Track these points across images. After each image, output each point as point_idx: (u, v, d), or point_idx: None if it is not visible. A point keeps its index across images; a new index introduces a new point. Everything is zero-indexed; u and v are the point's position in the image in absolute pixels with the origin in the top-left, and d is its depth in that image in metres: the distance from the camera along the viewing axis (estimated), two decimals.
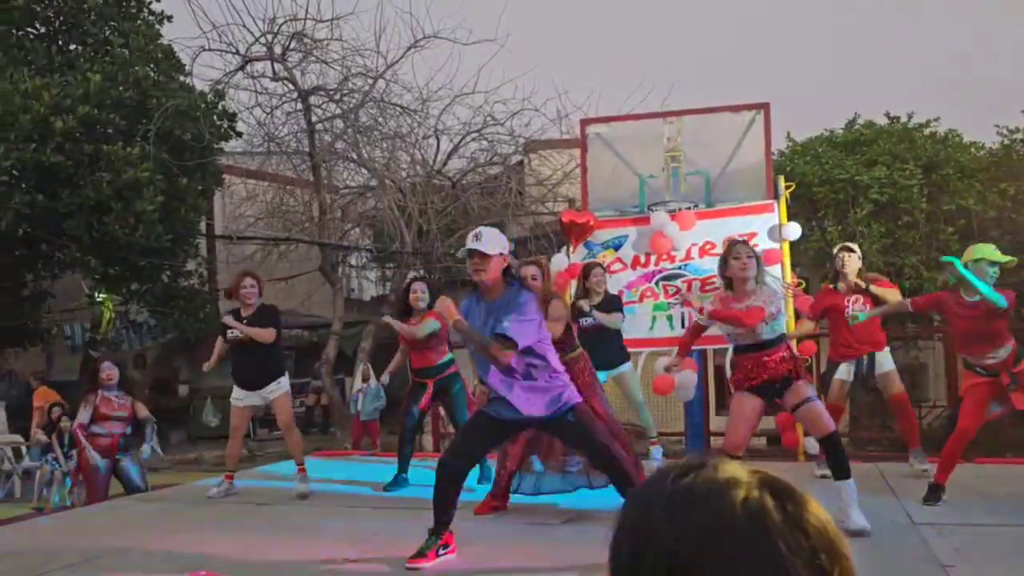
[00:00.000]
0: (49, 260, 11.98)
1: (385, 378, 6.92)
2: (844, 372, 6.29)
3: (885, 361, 6.32)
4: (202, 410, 14.56)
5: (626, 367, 6.80)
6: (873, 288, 6.11)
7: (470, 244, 4.01)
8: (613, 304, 6.71)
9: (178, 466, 12.18)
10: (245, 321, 6.07)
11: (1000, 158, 10.22)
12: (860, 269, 6.30)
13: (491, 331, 3.97)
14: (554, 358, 4.19)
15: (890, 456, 7.93)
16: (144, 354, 15.26)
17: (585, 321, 6.59)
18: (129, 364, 14.94)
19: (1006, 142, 10.26)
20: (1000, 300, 4.91)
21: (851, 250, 6.37)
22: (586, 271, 6.88)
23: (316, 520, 5.30)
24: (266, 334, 6.01)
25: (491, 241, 4.00)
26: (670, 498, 0.76)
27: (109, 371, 6.66)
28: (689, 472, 0.78)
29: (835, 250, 6.47)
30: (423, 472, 6.91)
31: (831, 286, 6.39)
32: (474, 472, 6.22)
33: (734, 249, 4.72)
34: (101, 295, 12.60)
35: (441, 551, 4.19)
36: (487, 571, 4.05)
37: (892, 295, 6.12)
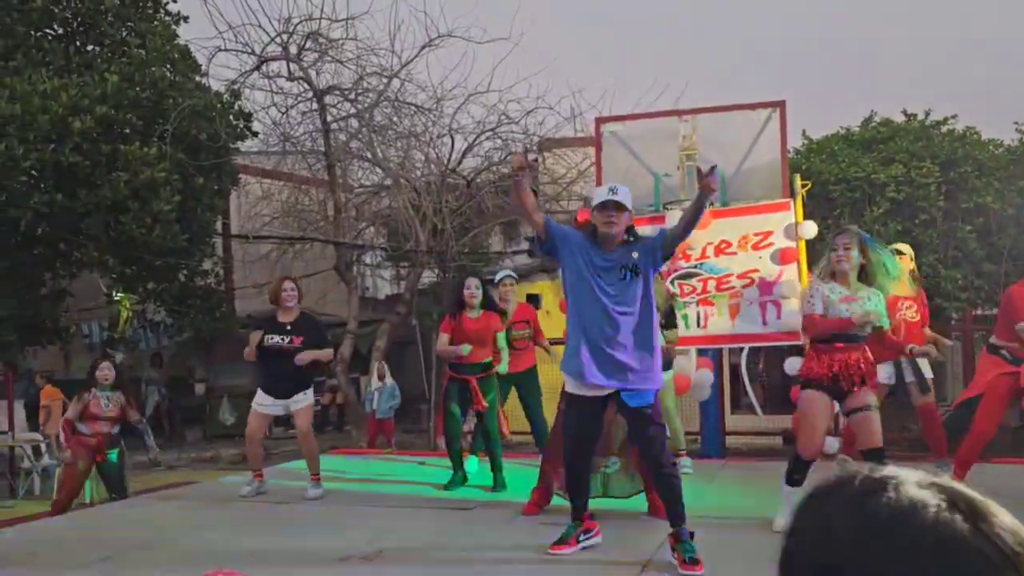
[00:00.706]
0: (67, 259, 12.08)
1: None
2: (885, 375, 6.13)
3: (924, 368, 6.23)
4: (218, 409, 14.64)
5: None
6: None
7: (606, 196, 4.06)
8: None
9: (194, 464, 12.26)
10: (288, 327, 6.01)
11: (1019, 155, 10.13)
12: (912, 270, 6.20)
13: (636, 277, 4.02)
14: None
15: (910, 456, 7.88)
16: (161, 353, 15.37)
17: None
18: (146, 363, 15.11)
19: None
20: None
21: (900, 252, 6.21)
22: None
23: (334, 518, 5.32)
24: (326, 355, 6.05)
25: (625, 196, 4.07)
26: (856, 520, 0.72)
27: (107, 371, 6.66)
28: (872, 490, 0.74)
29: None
30: (432, 471, 6.96)
31: None
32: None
33: (835, 240, 4.58)
34: (118, 294, 12.69)
35: (583, 537, 4.22)
36: (506, 569, 4.06)
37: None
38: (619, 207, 3.98)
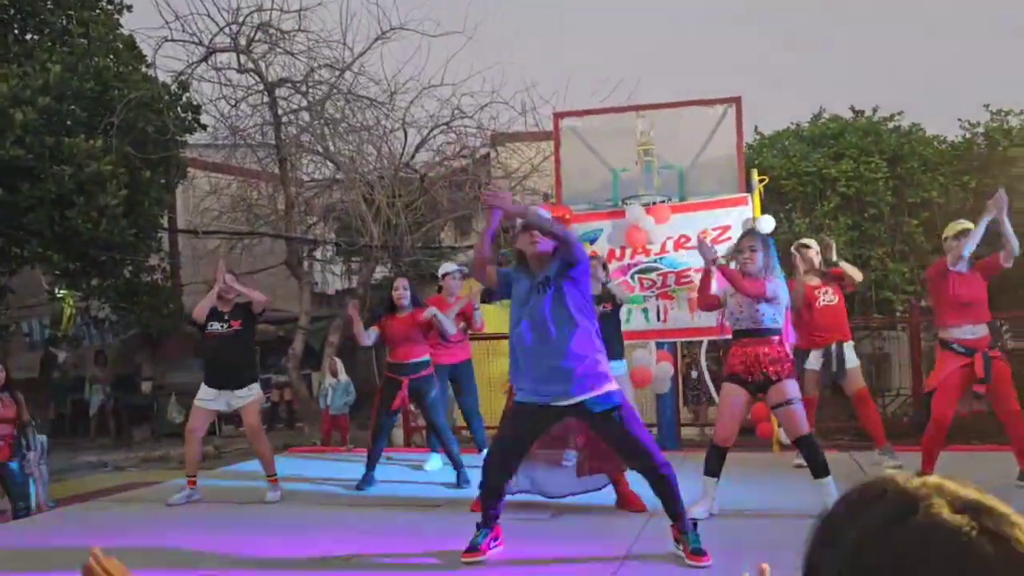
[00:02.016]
0: (8, 255, 11.67)
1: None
2: (814, 361, 6.42)
3: (850, 356, 6.47)
4: (167, 407, 14.31)
5: (615, 364, 6.68)
6: (841, 264, 6.40)
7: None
8: (608, 296, 6.67)
9: (143, 464, 11.97)
10: (225, 315, 5.98)
11: (962, 151, 10.45)
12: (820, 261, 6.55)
13: (546, 290, 3.99)
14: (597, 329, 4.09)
15: (859, 445, 8.09)
16: (104, 350, 14.96)
17: None
18: (90, 361, 14.69)
19: (968, 136, 10.49)
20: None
21: (806, 246, 6.63)
22: None
23: (300, 519, 5.25)
24: (259, 296, 6.02)
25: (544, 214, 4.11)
26: (887, 546, 0.73)
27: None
28: (904, 511, 0.74)
29: (793, 248, 6.68)
30: (395, 468, 6.91)
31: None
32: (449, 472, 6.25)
33: (739, 243, 4.89)
34: (61, 291, 12.31)
35: (493, 544, 4.20)
36: (477, 569, 4.05)
37: (856, 271, 6.45)
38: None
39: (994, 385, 5.34)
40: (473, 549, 4.10)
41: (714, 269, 4.92)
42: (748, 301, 4.73)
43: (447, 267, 7.53)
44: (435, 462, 7.03)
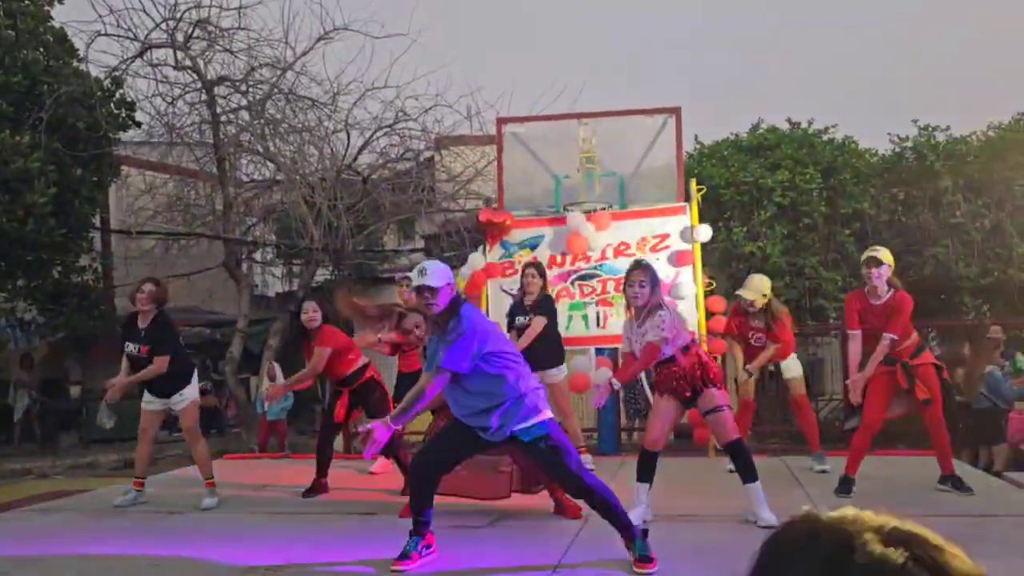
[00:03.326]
0: None
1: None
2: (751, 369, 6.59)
3: (791, 367, 6.64)
4: (96, 412, 13.85)
5: (554, 371, 6.70)
6: (769, 353, 6.45)
7: (416, 280, 4.02)
8: (545, 305, 6.68)
9: (70, 472, 11.59)
10: (142, 334, 5.81)
11: (892, 164, 10.77)
12: (769, 302, 6.55)
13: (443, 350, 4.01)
14: (515, 373, 4.09)
15: (792, 449, 8.27)
16: (31, 353, 14.44)
17: (518, 321, 6.63)
18: (15, 364, 14.16)
19: (897, 149, 10.81)
20: None
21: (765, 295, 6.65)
22: (522, 271, 6.90)
23: (234, 528, 5.13)
24: (158, 367, 5.72)
25: (435, 275, 4.01)
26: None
27: None
28: (839, 550, 0.74)
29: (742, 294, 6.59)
30: (339, 473, 6.81)
31: (740, 305, 6.60)
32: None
33: (628, 276, 4.90)
34: None
35: (424, 551, 4.15)
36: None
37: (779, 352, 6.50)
38: (432, 290, 3.99)
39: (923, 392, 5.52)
40: (404, 557, 4.06)
41: (616, 385, 4.96)
42: (647, 344, 4.78)
43: (401, 275, 7.45)
44: (383, 465, 6.99)
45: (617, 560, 4.05)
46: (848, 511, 0.78)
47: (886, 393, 5.56)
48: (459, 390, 4.07)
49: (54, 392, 14.61)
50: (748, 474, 4.78)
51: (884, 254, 5.54)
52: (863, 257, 5.61)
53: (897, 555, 0.72)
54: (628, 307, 4.94)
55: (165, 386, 5.86)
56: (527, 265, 6.93)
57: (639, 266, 4.88)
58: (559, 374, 6.70)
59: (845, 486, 5.54)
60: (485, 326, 4.13)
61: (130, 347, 5.78)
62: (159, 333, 5.82)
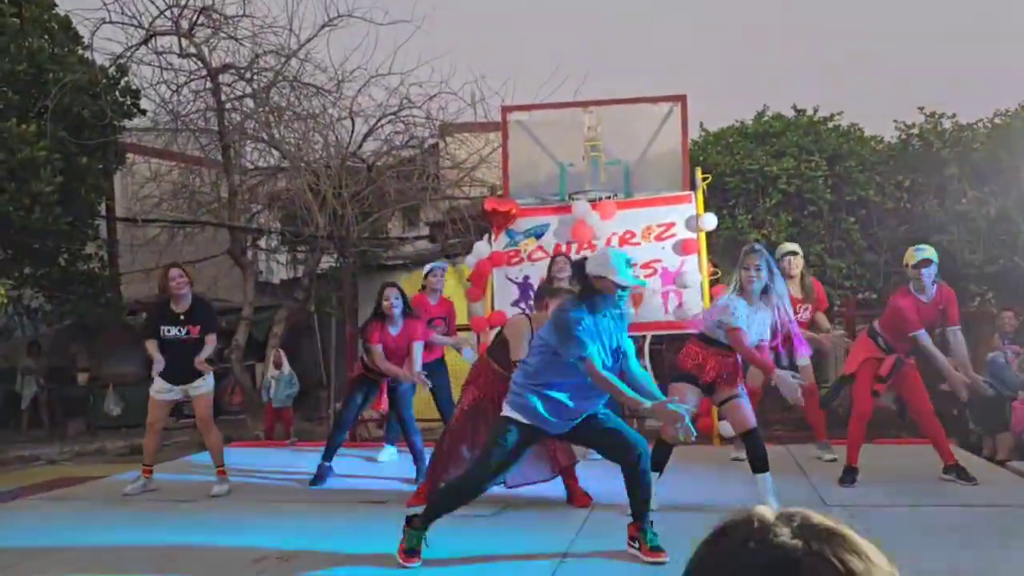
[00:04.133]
0: None
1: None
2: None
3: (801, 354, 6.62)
4: (103, 399, 13.94)
5: None
6: (817, 321, 6.60)
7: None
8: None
9: (78, 458, 11.67)
10: (182, 317, 5.87)
11: (898, 152, 10.72)
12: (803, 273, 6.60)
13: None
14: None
15: (796, 436, 8.30)
16: (38, 341, 14.51)
17: None
18: (22, 352, 14.22)
19: (903, 137, 10.76)
20: None
21: (795, 253, 6.69)
22: (551, 260, 6.91)
23: (242, 517, 5.18)
24: (211, 344, 5.92)
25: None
26: (732, 571, 0.82)
27: None
28: (743, 539, 0.83)
29: (779, 254, 6.60)
30: (346, 462, 6.87)
31: None
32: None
33: (745, 259, 4.83)
34: None
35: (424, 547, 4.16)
36: (422, 566, 4.05)
37: (825, 322, 6.54)
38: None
39: (907, 392, 5.59)
40: (412, 553, 4.08)
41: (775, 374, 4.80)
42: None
43: (431, 265, 7.43)
44: (389, 454, 7.04)
45: (625, 550, 4.09)
46: (795, 510, 0.86)
47: (871, 381, 5.63)
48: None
49: (62, 379, 14.69)
50: (760, 464, 4.79)
51: (931, 252, 5.53)
52: (916, 260, 5.49)
53: (796, 543, 0.79)
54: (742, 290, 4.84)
55: (188, 376, 5.89)
56: (558, 255, 6.95)
57: (756, 249, 4.85)
58: None
59: (849, 476, 5.57)
60: None
61: (172, 331, 5.82)
62: (206, 312, 5.92)
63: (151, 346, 5.90)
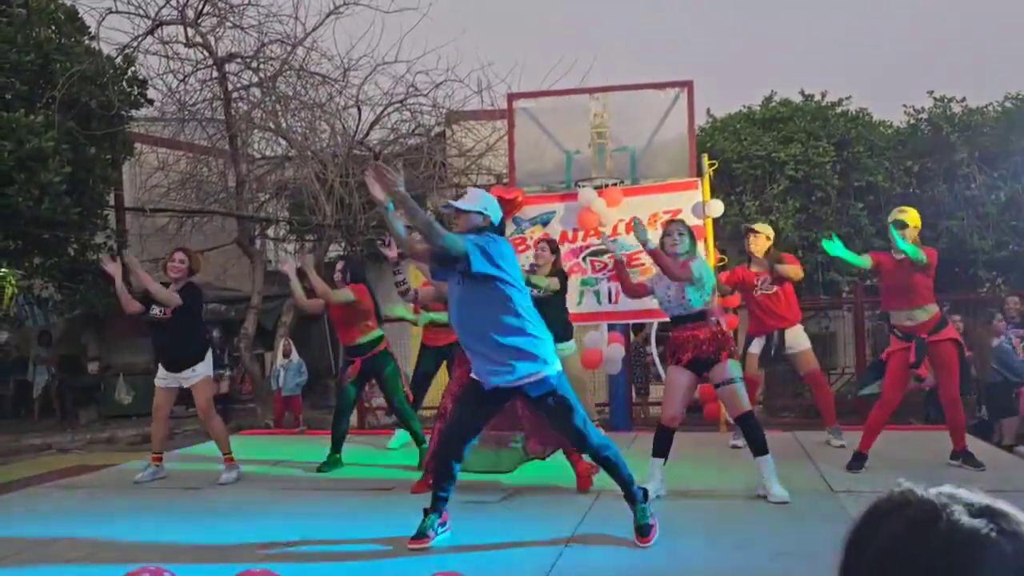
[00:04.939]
0: None
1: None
2: (755, 346, 6.65)
3: (799, 340, 6.58)
4: (114, 387, 14.05)
5: (561, 347, 6.74)
6: (777, 267, 6.41)
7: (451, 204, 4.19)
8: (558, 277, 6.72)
9: (89, 446, 11.77)
10: None
11: (906, 137, 10.67)
12: (770, 248, 6.58)
13: (463, 279, 3.91)
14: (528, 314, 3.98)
15: (804, 423, 8.30)
16: (49, 331, 14.61)
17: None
18: (34, 342, 14.34)
19: (912, 121, 10.70)
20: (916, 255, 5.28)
21: (755, 231, 6.68)
22: (535, 246, 6.96)
23: (250, 504, 5.21)
24: (167, 296, 5.78)
25: (470, 198, 4.13)
26: (912, 548, 0.80)
27: None
28: (928, 518, 0.80)
29: (743, 230, 6.81)
30: (354, 449, 6.90)
31: (745, 265, 6.69)
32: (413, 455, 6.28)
33: (667, 227, 5.06)
34: (2, 270, 11.97)
35: (440, 530, 4.20)
36: (424, 552, 4.08)
37: (794, 270, 6.43)
38: (457, 211, 4.09)
39: (938, 370, 5.51)
40: (421, 536, 4.12)
41: (647, 250, 4.93)
42: (676, 286, 4.83)
43: None
44: (402, 437, 7.06)
45: (630, 536, 4.10)
46: (945, 488, 0.84)
47: (902, 369, 5.56)
48: (474, 332, 3.98)
49: (73, 368, 14.80)
50: (758, 447, 4.81)
51: (908, 216, 5.55)
52: (890, 219, 5.59)
53: (980, 524, 0.78)
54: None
55: (176, 360, 5.90)
56: (540, 240, 6.96)
57: (676, 220, 5.12)
58: (567, 350, 6.75)
59: (857, 462, 5.56)
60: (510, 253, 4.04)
61: (155, 310, 5.84)
62: (187, 292, 5.89)
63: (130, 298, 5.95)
